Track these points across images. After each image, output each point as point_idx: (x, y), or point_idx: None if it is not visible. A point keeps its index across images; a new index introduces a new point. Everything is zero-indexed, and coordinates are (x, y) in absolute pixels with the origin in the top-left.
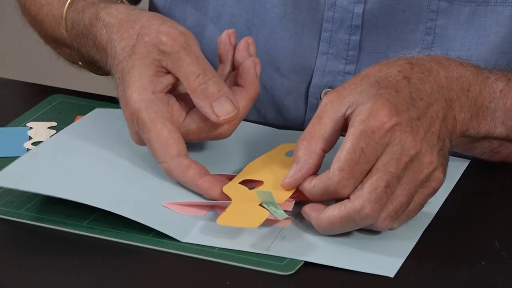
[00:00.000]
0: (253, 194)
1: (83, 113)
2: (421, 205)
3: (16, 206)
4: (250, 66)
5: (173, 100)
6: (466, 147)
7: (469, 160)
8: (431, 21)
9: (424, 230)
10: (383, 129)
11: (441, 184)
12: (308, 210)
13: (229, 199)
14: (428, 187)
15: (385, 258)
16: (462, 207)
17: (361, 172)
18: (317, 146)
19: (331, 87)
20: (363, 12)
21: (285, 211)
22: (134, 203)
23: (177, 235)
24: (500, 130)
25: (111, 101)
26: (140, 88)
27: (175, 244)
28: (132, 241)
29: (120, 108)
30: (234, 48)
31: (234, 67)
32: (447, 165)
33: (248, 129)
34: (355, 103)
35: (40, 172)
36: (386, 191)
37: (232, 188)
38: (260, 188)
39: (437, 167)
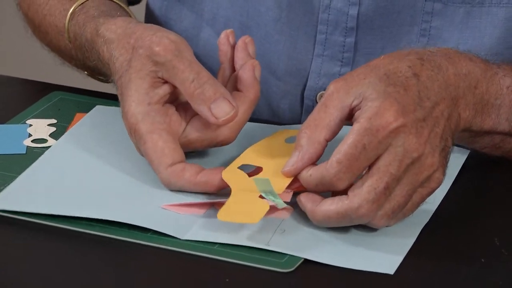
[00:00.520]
0: (252, 182)
1: (83, 110)
2: (419, 204)
3: None
4: (249, 70)
5: (172, 110)
6: (467, 141)
7: (469, 151)
8: (425, 22)
9: (424, 227)
10: (388, 129)
11: (440, 185)
12: (304, 200)
13: (228, 190)
14: (427, 187)
15: (384, 255)
16: (462, 204)
17: (359, 168)
18: (321, 135)
19: None
20: (357, 14)
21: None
22: (134, 207)
23: (177, 234)
24: (503, 126)
25: (111, 99)
26: (136, 101)
27: (175, 241)
28: (132, 238)
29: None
30: (233, 48)
31: (234, 69)
32: (447, 163)
33: (247, 126)
34: (361, 95)
35: (39, 191)
36: (385, 192)
37: (231, 174)
38: (259, 176)
39: (437, 168)
